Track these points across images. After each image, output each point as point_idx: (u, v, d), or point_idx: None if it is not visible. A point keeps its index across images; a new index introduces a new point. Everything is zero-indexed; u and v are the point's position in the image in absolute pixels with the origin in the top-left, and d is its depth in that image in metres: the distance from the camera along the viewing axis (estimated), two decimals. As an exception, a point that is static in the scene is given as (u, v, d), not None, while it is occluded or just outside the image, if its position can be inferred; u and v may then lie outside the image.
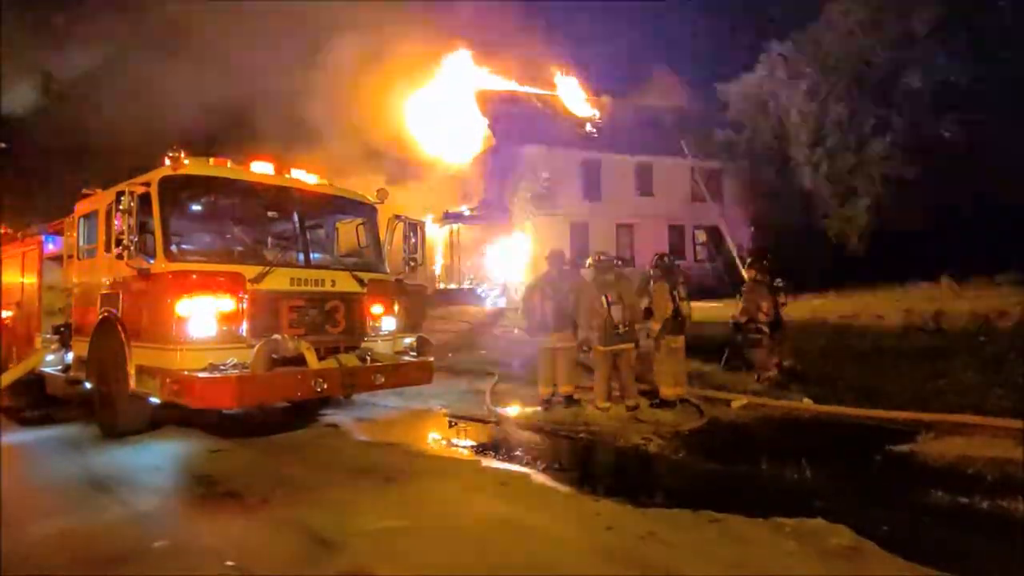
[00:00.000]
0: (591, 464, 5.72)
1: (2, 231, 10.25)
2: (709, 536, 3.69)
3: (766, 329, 8.03)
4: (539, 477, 5.01)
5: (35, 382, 7.82)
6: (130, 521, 4.17)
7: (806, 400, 7.16)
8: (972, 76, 17.26)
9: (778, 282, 8.23)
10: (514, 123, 24.74)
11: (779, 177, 21.43)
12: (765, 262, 8.48)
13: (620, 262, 8.24)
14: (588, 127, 27.47)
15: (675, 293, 7.21)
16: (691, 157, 26.64)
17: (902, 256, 16.83)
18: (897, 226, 17.84)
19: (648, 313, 7.22)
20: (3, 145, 22.25)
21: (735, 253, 24.82)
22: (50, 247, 8.04)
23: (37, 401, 7.93)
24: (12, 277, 9.00)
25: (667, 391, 7.25)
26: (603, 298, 6.91)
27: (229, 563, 3.43)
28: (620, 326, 6.86)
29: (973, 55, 17.43)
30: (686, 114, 28.32)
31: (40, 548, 3.71)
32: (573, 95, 28.27)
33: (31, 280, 8.32)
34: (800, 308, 11.14)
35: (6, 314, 8.96)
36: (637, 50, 29.52)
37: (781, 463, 5.22)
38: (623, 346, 6.93)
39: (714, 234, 27.41)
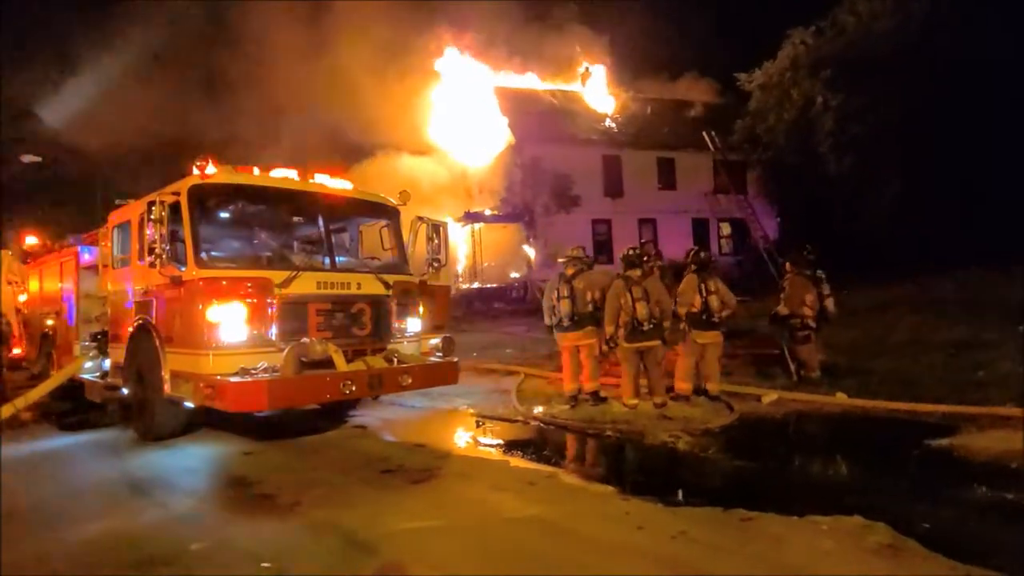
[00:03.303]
0: (620, 463, 5.68)
1: (41, 243, 10.60)
2: (742, 535, 3.64)
3: (813, 324, 7.79)
4: (567, 476, 5.00)
5: (75, 388, 8.05)
6: (168, 523, 4.27)
7: (839, 395, 7.01)
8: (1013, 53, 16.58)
9: (819, 273, 7.95)
10: (534, 121, 24.74)
11: (803, 167, 20.99)
12: (806, 252, 8.17)
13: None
14: (608, 123, 27.31)
15: (703, 287, 7.12)
16: (714, 150, 26.33)
17: (931, 245, 16.36)
18: (926, 214, 17.35)
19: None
20: (38, 158, 22.99)
21: (761, 246, 24.44)
22: (86, 257, 8.26)
23: (77, 407, 8.15)
24: (51, 287, 9.29)
25: (683, 385, 7.17)
26: (628, 294, 6.86)
27: (265, 564, 3.49)
28: (645, 323, 6.80)
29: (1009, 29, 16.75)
30: (708, 106, 28.00)
31: (82, 550, 3.81)
32: (593, 91, 28.13)
33: (69, 289, 8.57)
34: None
35: (48, 323, 9.25)
36: (656, 42, 29.10)
37: (814, 460, 5.13)
38: (648, 343, 6.87)
39: (739, 227, 27.06)
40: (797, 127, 21.07)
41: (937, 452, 5.14)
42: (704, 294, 7.08)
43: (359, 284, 6.43)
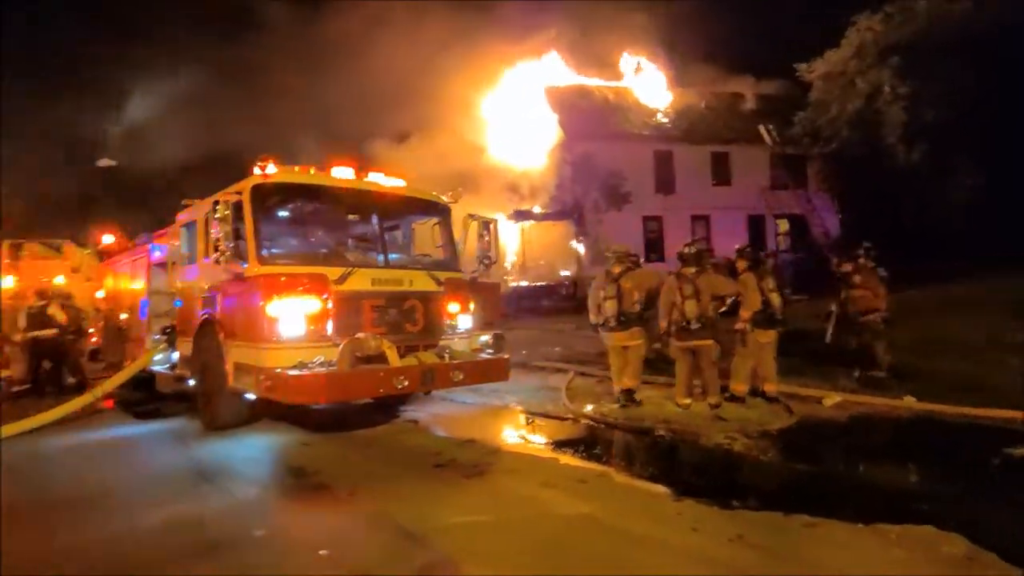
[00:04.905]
0: (672, 463, 5.56)
1: (116, 242, 11.25)
2: (805, 541, 3.50)
3: (881, 325, 7.42)
4: (618, 475, 4.93)
5: (147, 379, 8.50)
6: (231, 510, 4.45)
7: (907, 398, 6.65)
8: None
9: (881, 271, 7.64)
10: (584, 117, 24.54)
11: (868, 159, 20.03)
12: (867, 250, 7.83)
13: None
14: (660, 117, 26.81)
15: (763, 285, 6.90)
16: (771, 143, 25.45)
17: (1007, 240, 15.32)
18: (1003, 207, 16.28)
19: (736, 306, 6.92)
20: (113, 163, 24.43)
21: (822, 242, 23.49)
22: (156, 255, 8.71)
23: (148, 397, 8.61)
24: (125, 283, 9.84)
25: (739, 387, 6.95)
26: (679, 292, 6.71)
27: (322, 552, 3.59)
28: (693, 321, 6.64)
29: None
30: (764, 98, 27.07)
31: (154, 533, 4.02)
32: (645, 85, 27.67)
33: (141, 285, 9.06)
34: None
35: (122, 317, 9.81)
36: (711, 34, 28.35)
37: (881, 465, 4.88)
38: (699, 342, 6.70)
39: (797, 223, 26.08)
40: (862, 118, 20.14)
41: (1019, 461, 4.81)
42: (765, 292, 6.86)
43: (411, 281, 6.53)
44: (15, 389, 10.15)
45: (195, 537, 3.89)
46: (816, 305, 10.96)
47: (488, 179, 23.29)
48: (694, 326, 6.63)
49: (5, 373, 10.44)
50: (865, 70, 20.13)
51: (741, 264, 7.16)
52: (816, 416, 6.50)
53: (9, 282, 12.51)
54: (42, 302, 10.54)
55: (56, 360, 10.37)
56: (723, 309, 6.94)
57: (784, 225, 26.92)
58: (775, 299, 6.89)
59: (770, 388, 6.99)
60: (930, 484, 4.52)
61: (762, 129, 25.48)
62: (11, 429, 6.95)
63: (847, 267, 7.90)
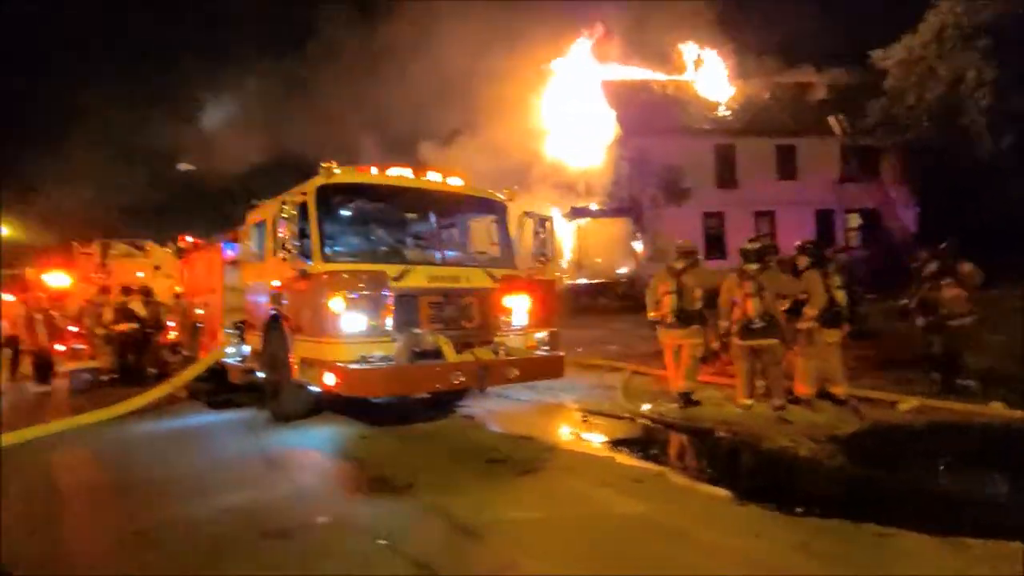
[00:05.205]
0: (733, 465, 5.40)
1: (193, 241, 11.91)
2: (875, 552, 3.32)
3: (972, 330, 6.92)
4: (676, 476, 4.83)
5: (220, 371, 8.96)
6: (297, 497, 4.63)
7: (995, 404, 6.20)
8: None
9: (967, 267, 7.09)
10: (642, 112, 24.11)
11: (950, 150, 18.76)
12: (946, 246, 7.30)
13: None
14: (722, 110, 26.01)
15: (828, 282, 6.60)
16: (842, 135, 24.24)
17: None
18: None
19: (799, 304, 6.65)
20: (192, 167, 25.93)
21: (897, 237, 22.23)
22: (229, 253, 9.16)
23: (222, 388, 9.06)
24: (201, 280, 10.41)
25: (804, 389, 6.66)
26: (740, 289, 6.50)
27: (381, 541, 3.69)
28: (757, 320, 6.41)
29: None
30: (834, 88, 25.76)
31: (225, 516, 4.23)
32: (706, 78, 26.91)
33: (215, 282, 9.55)
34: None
35: (198, 312, 10.38)
36: (775, 23, 27.24)
37: (964, 475, 4.58)
38: (762, 341, 6.47)
39: (870, 218, 24.76)
40: (944, 105, 18.88)
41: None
42: (831, 290, 6.57)
43: (468, 278, 6.61)
44: (104, 378, 10.95)
45: (264, 521, 4.07)
46: (888, 305, 10.40)
47: (544, 176, 23.27)
48: (757, 325, 6.42)
49: (94, 364, 11.25)
50: (946, 55, 18.86)
51: (802, 261, 6.86)
52: (890, 421, 6.16)
53: (99, 279, 13.50)
54: (126, 298, 11.30)
55: (138, 352, 11.10)
56: (786, 307, 6.67)
57: (855, 220, 25.61)
58: (841, 297, 6.58)
59: (838, 390, 6.68)
60: (1021, 499, 4.20)
61: (832, 120, 24.28)
62: (97, 416, 7.49)
63: (932, 265, 7.24)
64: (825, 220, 24.85)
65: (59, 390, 10.82)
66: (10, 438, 6.53)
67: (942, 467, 4.86)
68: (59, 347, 12.06)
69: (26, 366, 12.13)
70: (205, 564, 3.46)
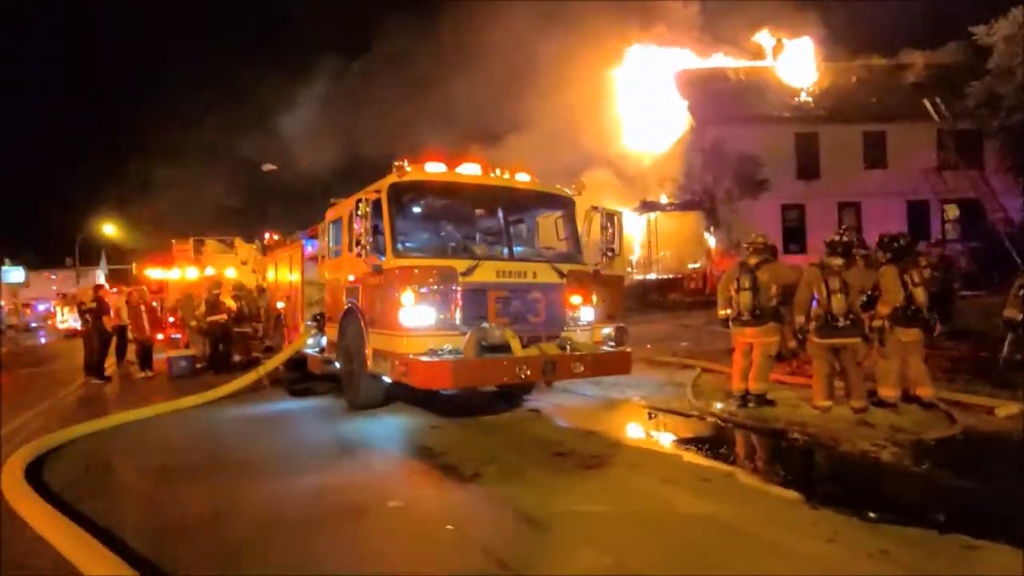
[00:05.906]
0: (807, 468, 5.19)
1: (277, 237, 12.62)
2: (961, 565, 3.13)
3: None
4: (746, 477, 4.71)
5: (301, 361, 9.48)
6: (370, 481, 4.86)
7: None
8: None
9: None
10: (717, 101, 23.33)
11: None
12: None
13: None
14: (803, 96, 24.72)
15: (907, 278, 6.21)
16: (938, 119, 22.50)
17: None
18: None
19: (873, 301, 6.29)
20: (274, 167, 27.41)
21: (1002, 230, 20.45)
22: (309, 249, 9.66)
23: (302, 376, 9.59)
24: (283, 275, 11.03)
25: (888, 392, 6.30)
26: (823, 284, 6.22)
27: (448, 527, 3.83)
28: (840, 318, 6.11)
29: None
30: (929, 68, 23.87)
31: (305, 495, 4.51)
32: (786, 64, 25.67)
33: (296, 277, 10.10)
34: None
35: (280, 305, 11.02)
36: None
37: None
38: (844, 340, 6.17)
39: (969, 209, 22.87)
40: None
41: None
42: (909, 286, 6.18)
43: (535, 273, 6.68)
44: (198, 366, 11.85)
45: (339, 502, 4.31)
46: (991, 302, 9.66)
47: (613, 170, 22.96)
48: (841, 323, 6.12)
49: (189, 352, 12.18)
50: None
51: (883, 256, 6.47)
52: (985, 428, 5.73)
53: (193, 273, 14.55)
54: (216, 291, 12.14)
55: (227, 342, 11.92)
56: (861, 303, 6.33)
57: (953, 211, 23.71)
58: (919, 294, 6.18)
59: (924, 392, 6.28)
60: None
61: (927, 103, 22.57)
62: (195, 400, 8.12)
63: None
64: (918, 212, 23.14)
65: (159, 375, 11.79)
66: (123, 416, 7.26)
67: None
68: (159, 336, 13.14)
69: (130, 353, 13.30)
70: (290, 539, 3.71)
